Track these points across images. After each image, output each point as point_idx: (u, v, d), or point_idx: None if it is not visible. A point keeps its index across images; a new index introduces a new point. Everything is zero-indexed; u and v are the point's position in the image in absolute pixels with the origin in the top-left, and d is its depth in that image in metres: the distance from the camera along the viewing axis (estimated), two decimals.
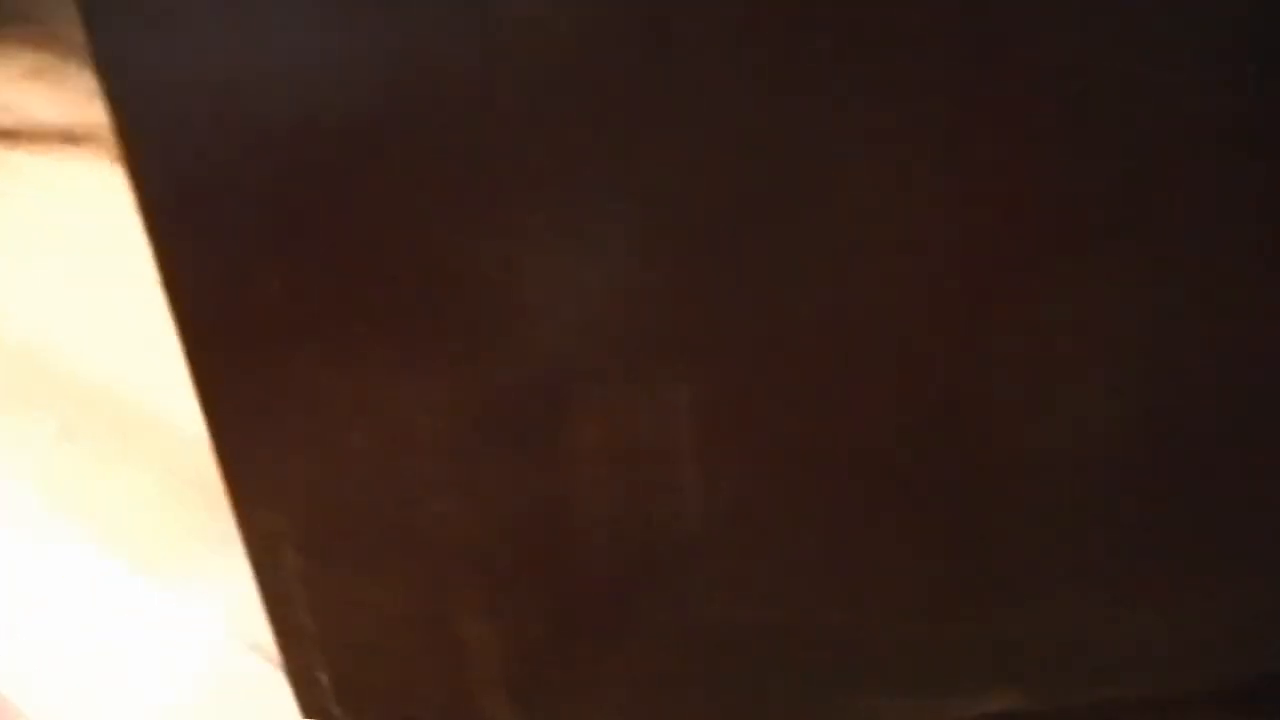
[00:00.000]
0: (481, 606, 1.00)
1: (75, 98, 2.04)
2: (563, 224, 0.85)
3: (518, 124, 0.82)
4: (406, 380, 0.91)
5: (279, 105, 0.82)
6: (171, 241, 0.85)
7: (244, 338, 0.89)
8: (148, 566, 1.35)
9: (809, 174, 0.83)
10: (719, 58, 0.79)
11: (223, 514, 1.11)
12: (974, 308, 0.88)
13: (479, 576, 0.99)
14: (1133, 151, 0.82)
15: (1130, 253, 0.86)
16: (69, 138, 1.96)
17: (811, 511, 0.97)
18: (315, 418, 0.92)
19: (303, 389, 0.91)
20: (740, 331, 0.89)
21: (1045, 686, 1.09)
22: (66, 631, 1.29)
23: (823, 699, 1.08)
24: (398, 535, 0.97)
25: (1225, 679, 1.12)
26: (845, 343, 0.89)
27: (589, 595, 1.01)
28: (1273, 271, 0.87)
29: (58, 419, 1.52)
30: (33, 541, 1.38)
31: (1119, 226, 0.85)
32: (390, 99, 0.82)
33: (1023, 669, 1.08)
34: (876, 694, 1.08)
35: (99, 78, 0.81)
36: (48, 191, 1.86)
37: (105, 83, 0.81)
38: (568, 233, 0.85)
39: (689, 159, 0.82)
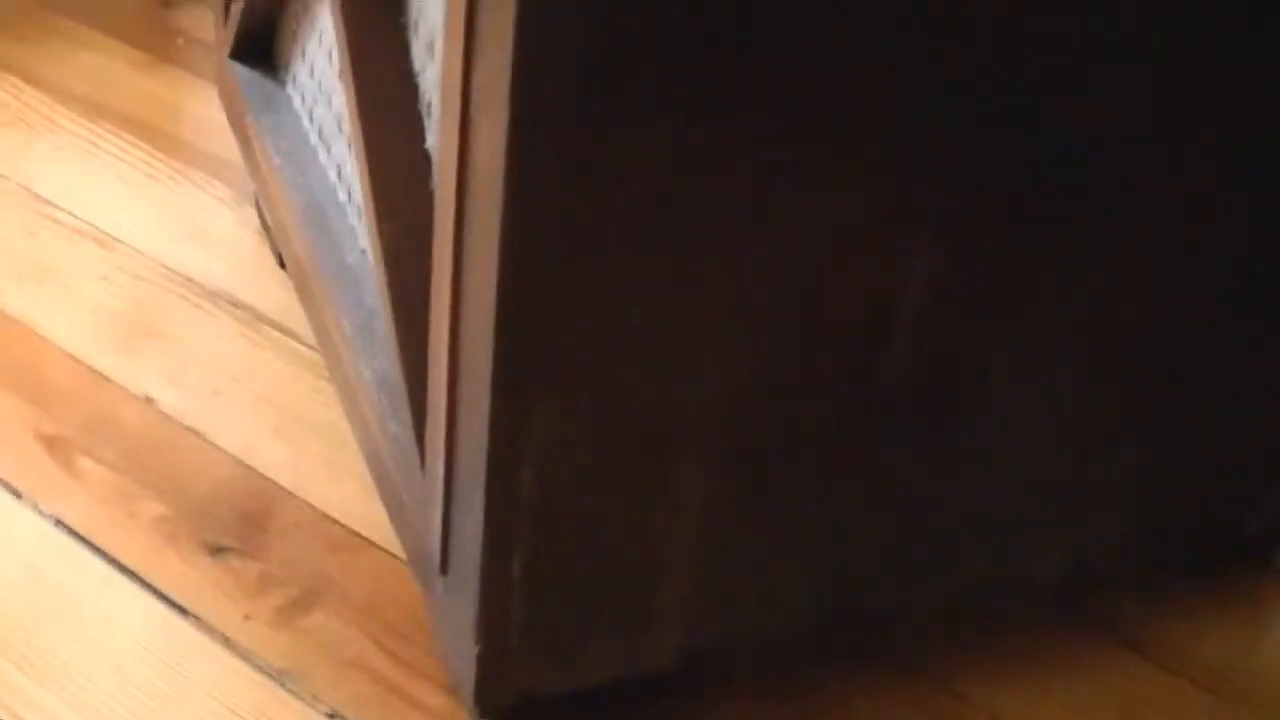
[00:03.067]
0: (695, 486, 1.04)
1: None
2: None
3: None
4: (694, 257, 0.95)
5: None
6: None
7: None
8: None
9: None
10: None
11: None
12: None
13: (703, 454, 1.03)
14: None
15: None
16: None
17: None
18: (603, 294, 0.94)
19: (598, 266, 0.93)
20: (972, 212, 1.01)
21: None
22: None
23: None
24: (648, 418, 1.00)
25: None
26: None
27: (795, 448, 1.06)
28: None
29: None
30: None
31: None
32: None
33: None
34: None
35: None
36: None
37: None
38: None
39: None
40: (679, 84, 0.87)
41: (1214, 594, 1.34)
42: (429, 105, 1.10)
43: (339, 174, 1.33)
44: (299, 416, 1.44)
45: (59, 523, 1.33)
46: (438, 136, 0.96)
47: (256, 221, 1.63)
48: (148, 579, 1.29)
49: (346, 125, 1.22)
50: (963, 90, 0.95)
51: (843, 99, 0.92)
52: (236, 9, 1.46)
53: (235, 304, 1.55)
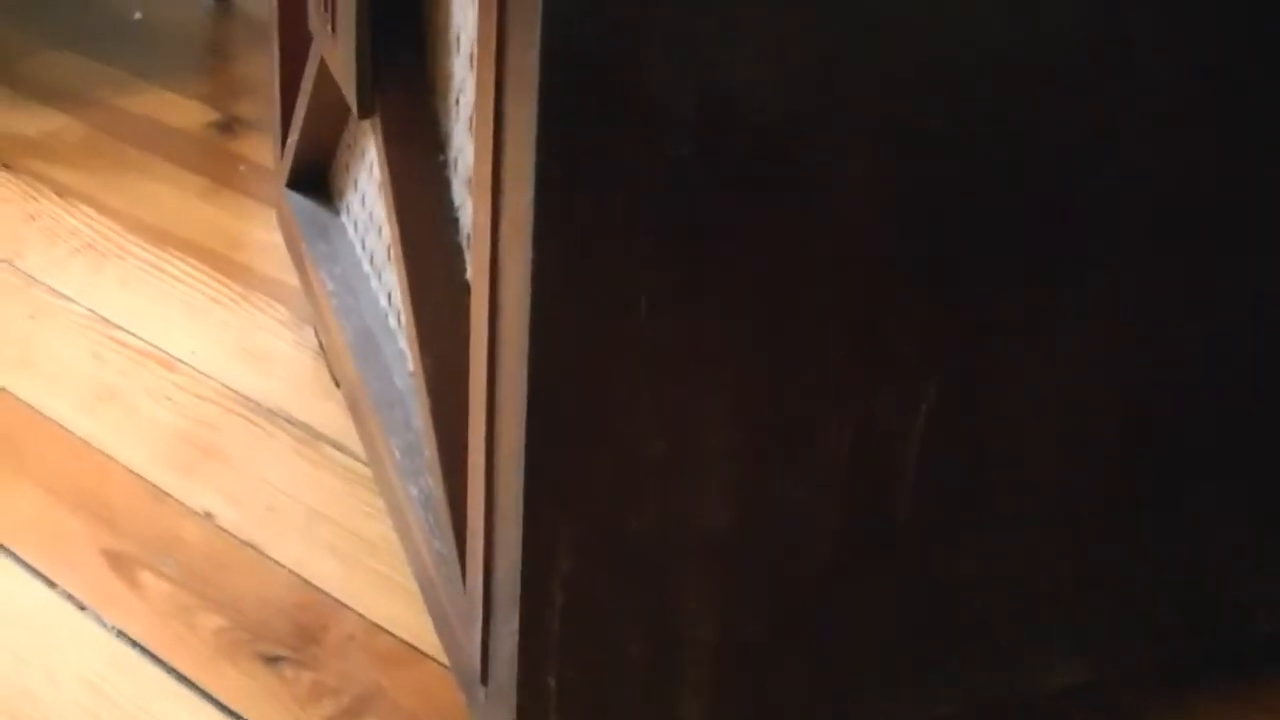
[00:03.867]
0: (713, 607, 1.09)
1: None
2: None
3: None
4: (704, 396, 1.00)
5: None
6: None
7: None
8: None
9: None
10: None
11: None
12: None
13: (719, 578, 1.08)
14: None
15: None
16: None
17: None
18: (626, 427, 1.00)
19: (618, 399, 0.99)
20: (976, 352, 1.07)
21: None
22: None
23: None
24: (667, 543, 1.05)
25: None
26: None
27: (805, 593, 1.11)
28: None
29: None
30: None
31: None
32: None
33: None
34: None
35: None
36: None
37: None
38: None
39: None
40: (683, 228, 0.94)
41: (1242, 689, 1.38)
42: (468, 239, 1.16)
43: (389, 300, 1.40)
44: (353, 531, 1.50)
45: (121, 634, 1.38)
46: (472, 274, 1.02)
47: (314, 342, 1.69)
48: (204, 688, 1.34)
49: (392, 257, 1.29)
50: (948, 228, 1.02)
51: (853, 247, 0.99)
52: (292, 142, 1.54)
53: (292, 422, 1.62)
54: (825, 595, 1.12)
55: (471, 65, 1.12)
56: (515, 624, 1.04)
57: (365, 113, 1.23)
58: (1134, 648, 1.28)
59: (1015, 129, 1.01)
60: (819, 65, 0.93)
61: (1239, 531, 1.25)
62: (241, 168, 2.04)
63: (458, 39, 1.16)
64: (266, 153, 1.88)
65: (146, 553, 1.47)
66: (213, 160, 2.06)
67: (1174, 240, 1.09)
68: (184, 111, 2.18)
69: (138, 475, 1.55)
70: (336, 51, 1.27)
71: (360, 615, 1.41)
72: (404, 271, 1.20)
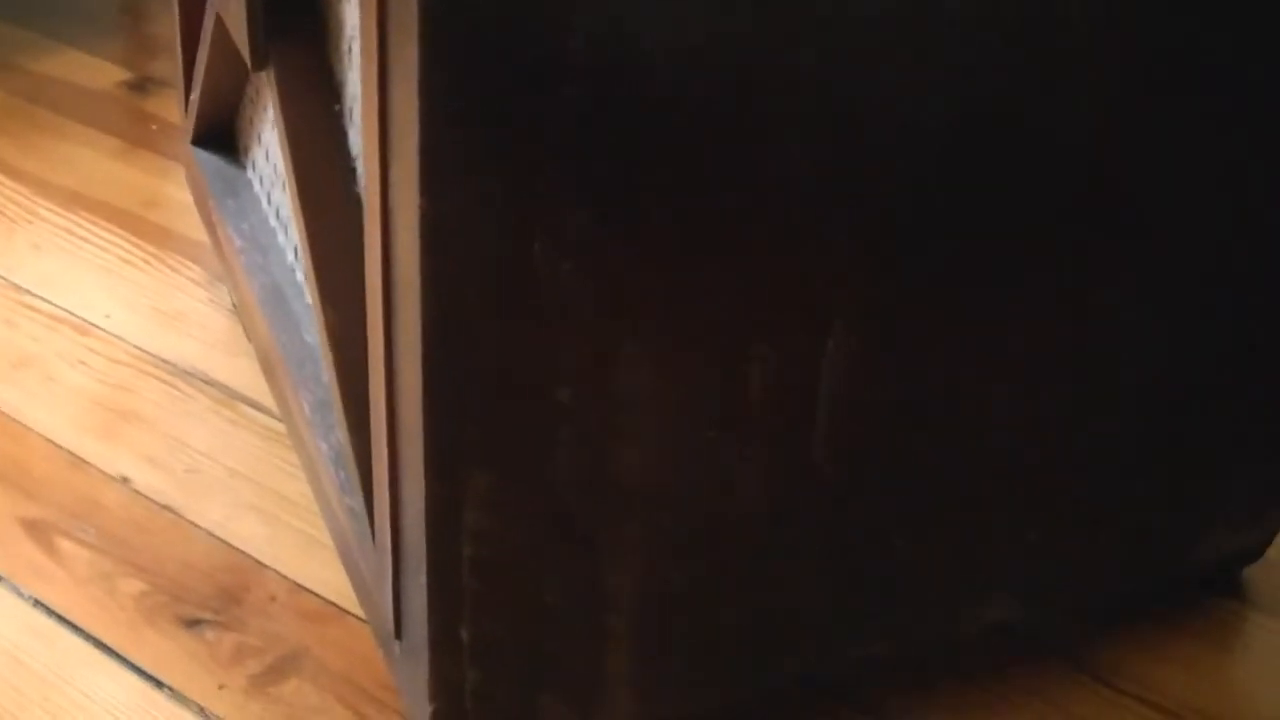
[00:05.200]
0: (630, 557, 1.08)
1: None
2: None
3: None
4: (612, 340, 0.99)
5: None
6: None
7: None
8: None
9: None
10: None
11: None
12: None
13: (638, 526, 1.07)
14: None
15: None
16: None
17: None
18: (530, 375, 0.98)
19: (519, 349, 0.97)
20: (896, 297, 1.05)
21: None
22: None
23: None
24: (581, 492, 1.04)
25: None
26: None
27: (727, 538, 1.10)
28: None
29: None
30: None
31: None
32: None
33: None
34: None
35: None
36: None
37: None
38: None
39: None
40: (579, 168, 0.92)
41: (1178, 623, 1.37)
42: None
43: (296, 255, 1.38)
44: (272, 490, 1.48)
45: (38, 603, 1.37)
46: (365, 227, 1.00)
47: (229, 300, 1.67)
48: (126, 654, 1.33)
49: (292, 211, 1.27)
50: (868, 180, 1.00)
51: (748, 186, 0.97)
52: (195, 98, 1.51)
53: (209, 383, 1.60)
54: (752, 540, 1.11)
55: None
56: (424, 578, 1.03)
57: (259, 65, 1.21)
58: (1065, 584, 1.28)
59: (949, 89, 1.00)
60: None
61: (1167, 468, 1.25)
62: (154, 127, 2.01)
63: None
64: (179, 111, 1.85)
65: (64, 520, 1.45)
66: (126, 120, 2.03)
67: (1110, 212, 1.09)
68: (96, 72, 2.14)
69: (54, 442, 1.53)
70: (230, 3, 1.25)
71: (282, 575, 1.40)
72: (303, 225, 1.18)
